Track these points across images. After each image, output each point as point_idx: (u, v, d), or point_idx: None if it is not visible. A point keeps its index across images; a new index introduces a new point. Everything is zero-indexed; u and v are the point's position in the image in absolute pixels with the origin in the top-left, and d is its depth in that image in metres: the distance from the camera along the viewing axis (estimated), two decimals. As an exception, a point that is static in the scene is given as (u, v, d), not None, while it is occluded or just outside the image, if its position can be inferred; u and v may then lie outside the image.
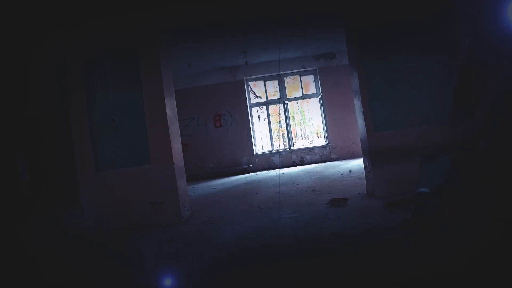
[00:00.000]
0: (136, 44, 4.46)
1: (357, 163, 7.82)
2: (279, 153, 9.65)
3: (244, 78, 9.68)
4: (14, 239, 4.92)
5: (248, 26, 6.17)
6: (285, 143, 10.00)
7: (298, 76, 9.80)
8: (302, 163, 9.55)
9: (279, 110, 9.97)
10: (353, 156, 9.28)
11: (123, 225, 4.39)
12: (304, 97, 10.06)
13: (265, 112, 9.96)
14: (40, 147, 8.57)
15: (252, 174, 9.06)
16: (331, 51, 9.23)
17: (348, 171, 6.78)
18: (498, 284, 1.92)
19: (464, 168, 3.42)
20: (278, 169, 9.05)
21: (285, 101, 9.83)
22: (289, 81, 9.90)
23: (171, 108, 4.62)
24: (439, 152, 3.26)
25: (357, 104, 4.64)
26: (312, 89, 9.89)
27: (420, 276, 2.12)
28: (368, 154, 4.48)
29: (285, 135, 9.97)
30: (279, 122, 10.01)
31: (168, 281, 2.64)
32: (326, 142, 9.62)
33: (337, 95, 9.45)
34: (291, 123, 9.92)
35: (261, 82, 9.89)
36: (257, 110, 10.04)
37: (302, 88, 9.88)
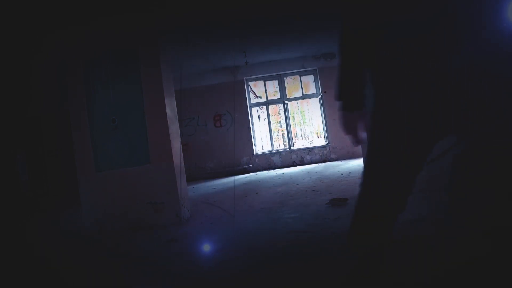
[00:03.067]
0: (136, 44, 4.46)
1: (357, 163, 7.82)
2: (279, 153, 9.65)
3: (244, 78, 9.68)
4: (15, 239, 4.92)
5: (248, 26, 6.17)
6: (285, 143, 10.00)
7: (298, 76, 9.80)
8: (302, 163, 9.55)
9: (279, 110, 9.97)
10: (353, 156, 9.28)
11: (123, 225, 4.39)
12: (304, 97, 10.06)
13: (265, 112, 9.96)
14: (40, 147, 8.58)
15: (252, 174, 9.06)
16: (331, 51, 9.23)
17: (348, 172, 6.79)
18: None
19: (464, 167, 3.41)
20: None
21: (285, 101, 9.83)
22: (289, 81, 9.90)
23: (171, 108, 4.62)
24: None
25: (357, 104, 4.63)
26: (312, 89, 9.89)
27: (418, 277, 2.12)
28: (368, 154, 4.47)
29: (285, 135, 9.96)
30: (279, 122, 10.01)
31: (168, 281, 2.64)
32: (326, 142, 9.61)
33: (337, 95, 9.45)
34: (291, 123, 9.91)
35: (261, 82, 9.88)
36: (257, 110, 10.04)
37: (302, 88, 9.88)
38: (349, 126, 1.48)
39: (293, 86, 10.05)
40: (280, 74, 9.68)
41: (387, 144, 1.42)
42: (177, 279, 2.67)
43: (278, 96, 9.92)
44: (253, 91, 9.97)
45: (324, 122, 9.72)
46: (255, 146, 9.76)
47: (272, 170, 9.21)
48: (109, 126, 4.46)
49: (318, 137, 10.04)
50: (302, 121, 10.05)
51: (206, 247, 2.68)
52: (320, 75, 9.58)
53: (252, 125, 9.81)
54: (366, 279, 1.56)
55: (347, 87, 1.51)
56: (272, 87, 10.00)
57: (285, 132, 9.94)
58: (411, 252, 2.52)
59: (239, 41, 7.17)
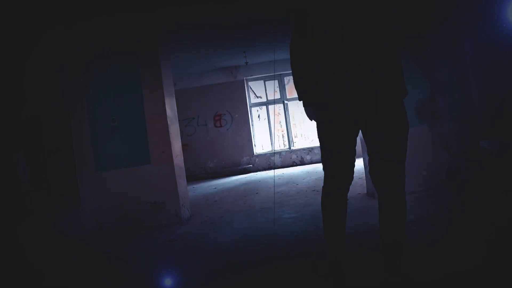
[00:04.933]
0: (136, 44, 4.45)
1: (357, 163, 7.80)
2: (279, 153, 9.65)
3: (244, 78, 9.67)
4: (15, 240, 4.92)
5: (248, 26, 6.17)
6: (285, 143, 10.00)
7: (298, 76, 9.77)
8: (302, 163, 9.54)
9: (279, 110, 9.97)
10: (353, 156, 9.26)
11: (123, 225, 4.39)
12: (304, 97, 10.02)
13: (265, 112, 9.95)
14: (40, 146, 8.57)
15: (252, 174, 9.05)
16: (331, 51, 9.20)
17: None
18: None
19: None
20: (274, 170, 9.04)
21: (285, 101, 9.82)
22: (289, 81, 9.89)
23: (171, 108, 4.62)
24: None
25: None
26: (312, 89, 9.86)
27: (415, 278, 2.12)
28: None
29: (285, 135, 9.96)
30: (279, 122, 10.01)
31: (167, 282, 2.63)
32: (326, 142, 9.59)
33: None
34: (291, 123, 9.90)
35: (261, 82, 9.88)
36: (257, 110, 10.03)
37: (302, 88, 9.83)
38: (311, 115, 2.12)
39: (293, 86, 10.04)
40: (280, 74, 9.67)
41: (324, 135, 2.00)
42: (173, 279, 2.67)
43: (278, 96, 9.91)
44: (253, 91, 9.96)
45: (324, 122, 9.68)
46: (255, 146, 9.75)
47: (272, 170, 9.20)
48: (109, 126, 4.46)
49: (318, 137, 10.01)
50: (302, 121, 10.03)
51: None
52: (320, 75, 9.56)
53: (252, 125, 9.81)
54: (335, 277, 1.98)
55: (302, 90, 2.10)
56: (272, 87, 9.98)
57: (285, 132, 9.93)
58: (410, 252, 2.51)
59: (239, 41, 7.16)
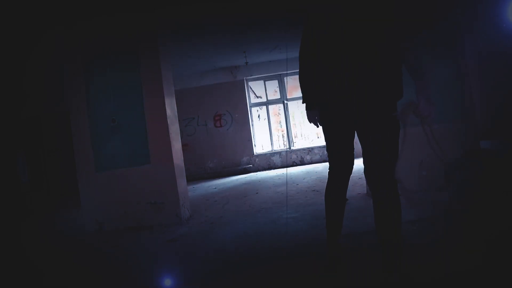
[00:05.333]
0: (136, 44, 4.45)
1: (357, 163, 7.80)
2: (279, 153, 9.65)
3: (244, 78, 9.67)
4: (15, 240, 4.92)
5: (248, 26, 6.17)
6: (285, 143, 9.99)
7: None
8: (302, 163, 9.54)
9: (279, 110, 9.97)
10: (353, 156, 9.25)
11: (123, 225, 4.39)
12: (304, 97, 10.00)
13: (265, 112, 9.94)
14: (40, 146, 8.57)
15: (252, 174, 9.05)
16: (331, 51, 9.19)
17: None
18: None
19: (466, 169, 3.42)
20: (278, 169, 9.04)
21: (285, 101, 9.82)
22: (289, 81, 9.89)
23: (171, 108, 4.62)
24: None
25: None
26: (312, 89, 9.83)
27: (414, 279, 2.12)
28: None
29: (285, 135, 9.96)
30: (279, 122, 10.01)
31: (167, 282, 2.63)
32: (326, 142, 9.57)
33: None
34: (291, 123, 9.90)
35: (261, 82, 9.87)
36: (257, 110, 10.03)
37: (302, 88, 9.80)
38: (311, 118, 2.29)
39: (293, 86, 10.03)
40: (280, 74, 9.67)
41: (326, 135, 2.14)
42: (173, 279, 2.67)
43: (278, 96, 9.91)
44: (253, 91, 9.96)
45: (324, 122, 9.65)
46: (255, 146, 9.75)
47: (272, 170, 9.21)
48: (109, 126, 4.46)
49: (318, 137, 10.01)
50: (302, 121, 10.03)
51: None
52: (320, 75, 9.54)
53: (252, 125, 9.80)
54: (331, 272, 2.16)
55: (307, 94, 2.18)
56: (272, 87, 9.98)
57: (285, 132, 9.92)
58: (410, 252, 2.51)
59: (239, 41, 7.16)
